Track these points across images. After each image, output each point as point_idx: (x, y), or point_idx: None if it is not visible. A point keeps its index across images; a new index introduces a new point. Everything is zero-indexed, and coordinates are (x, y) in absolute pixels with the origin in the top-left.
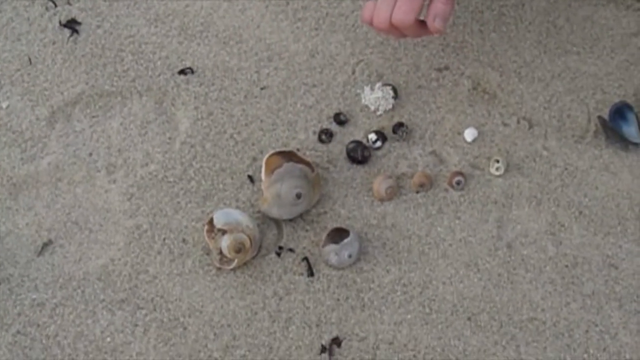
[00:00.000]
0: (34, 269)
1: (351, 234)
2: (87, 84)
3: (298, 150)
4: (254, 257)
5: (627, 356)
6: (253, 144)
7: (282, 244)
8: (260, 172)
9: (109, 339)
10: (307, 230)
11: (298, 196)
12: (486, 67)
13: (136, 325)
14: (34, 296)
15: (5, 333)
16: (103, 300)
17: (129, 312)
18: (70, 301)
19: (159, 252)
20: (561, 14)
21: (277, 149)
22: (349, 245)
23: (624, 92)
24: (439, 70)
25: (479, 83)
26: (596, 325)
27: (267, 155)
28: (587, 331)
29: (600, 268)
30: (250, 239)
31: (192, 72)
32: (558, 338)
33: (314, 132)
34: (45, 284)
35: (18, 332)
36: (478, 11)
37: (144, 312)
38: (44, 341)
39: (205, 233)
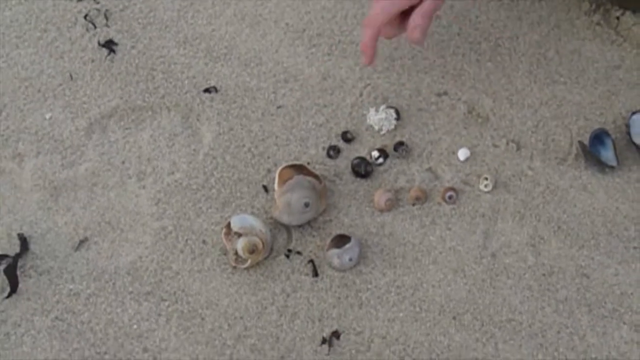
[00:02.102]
0: (71, 262)
1: (352, 240)
2: (121, 98)
3: (308, 164)
4: (265, 258)
5: (593, 355)
6: (268, 157)
7: (291, 247)
8: (273, 182)
9: (135, 326)
10: (313, 236)
11: (306, 205)
12: (481, 93)
13: (160, 315)
14: (71, 287)
15: (45, 318)
16: (131, 292)
17: (153, 303)
18: (103, 292)
19: (182, 251)
20: (551, 46)
21: (289, 163)
22: (350, 250)
23: (604, 119)
24: (438, 95)
25: (474, 107)
26: (567, 328)
27: (280, 168)
28: (558, 332)
29: (574, 277)
30: (262, 242)
31: (216, 90)
32: (532, 338)
33: (323, 148)
34: (80, 276)
35: (56, 317)
36: (476, 42)
37: (167, 303)
38: (78, 326)
39: (223, 235)
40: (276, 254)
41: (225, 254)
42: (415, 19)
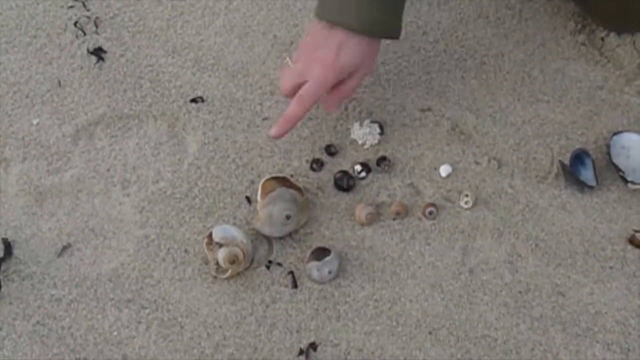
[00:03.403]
0: (54, 268)
1: (332, 253)
2: (108, 106)
3: (292, 176)
4: (246, 269)
5: None
6: (252, 169)
7: (271, 259)
8: (256, 194)
9: (115, 333)
10: (294, 248)
11: (288, 217)
12: (465, 110)
13: (140, 322)
14: (53, 292)
15: (26, 323)
16: (112, 299)
17: (134, 310)
18: (84, 298)
19: (164, 260)
20: (536, 65)
21: (273, 175)
22: (329, 263)
23: (585, 139)
24: (423, 110)
25: (457, 124)
26: (541, 345)
27: (263, 180)
28: (532, 349)
29: (550, 295)
30: (243, 253)
31: (203, 100)
32: (507, 354)
33: (307, 161)
34: (62, 282)
35: (37, 322)
36: (462, 59)
37: (147, 311)
38: (59, 332)
39: (204, 245)
40: (257, 265)
41: (206, 264)
42: (332, 99)
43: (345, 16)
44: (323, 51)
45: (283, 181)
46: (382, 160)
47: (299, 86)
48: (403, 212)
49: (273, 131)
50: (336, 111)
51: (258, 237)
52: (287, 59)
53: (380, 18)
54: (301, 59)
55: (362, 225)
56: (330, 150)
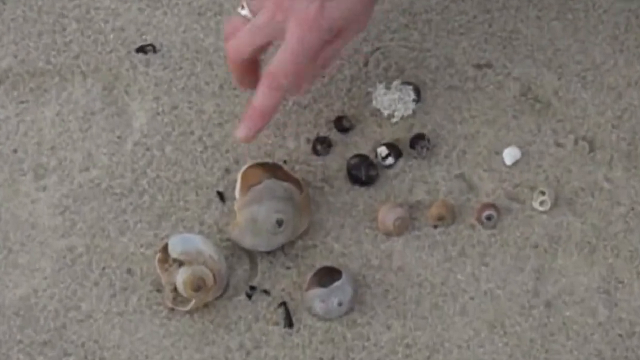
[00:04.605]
0: None
1: (344, 276)
2: (15, 57)
3: (285, 162)
4: (217, 298)
5: None
6: (227, 151)
7: (254, 284)
8: (233, 188)
9: None
10: (288, 268)
11: (279, 223)
12: (541, 67)
13: None
14: None
15: None
16: (20, 342)
17: (52, 358)
18: None
19: (96, 284)
20: None
21: (258, 160)
22: (339, 291)
23: None
24: (479, 67)
25: (530, 87)
26: None
27: (244, 167)
28: None
29: None
30: (213, 275)
31: (154, 50)
32: None
33: (308, 141)
34: None
35: None
36: None
37: (72, 359)
38: None
39: (157, 263)
40: (233, 293)
41: (159, 291)
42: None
43: None
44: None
45: (273, 170)
46: (418, 139)
47: (260, 51)
48: (449, 217)
49: (240, 133)
50: (305, 92)
51: (235, 251)
52: (243, 2)
53: None
54: (268, 9)
55: (389, 234)
56: (342, 125)
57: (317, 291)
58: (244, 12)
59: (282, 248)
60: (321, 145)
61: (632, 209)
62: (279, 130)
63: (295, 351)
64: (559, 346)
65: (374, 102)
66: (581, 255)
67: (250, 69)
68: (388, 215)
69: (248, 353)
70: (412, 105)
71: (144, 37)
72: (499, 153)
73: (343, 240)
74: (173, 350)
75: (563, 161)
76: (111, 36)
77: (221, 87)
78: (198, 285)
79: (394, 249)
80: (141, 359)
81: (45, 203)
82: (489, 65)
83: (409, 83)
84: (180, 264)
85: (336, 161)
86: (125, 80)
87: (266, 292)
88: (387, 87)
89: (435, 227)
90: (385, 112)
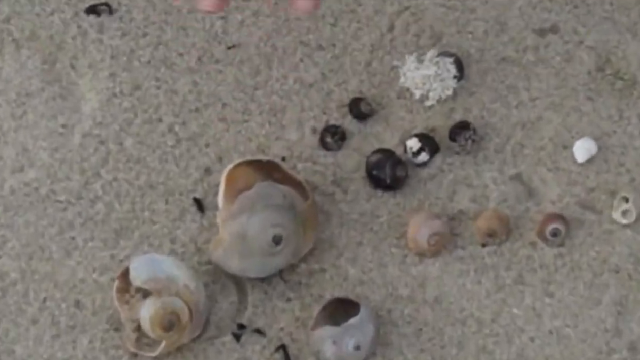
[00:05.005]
0: None
1: (363, 311)
2: None
3: (284, 160)
4: (194, 340)
5: None
6: (207, 145)
7: (244, 321)
8: (215, 193)
9: None
10: (288, 300)
11: (276, 240)
12: (623, 33)
13: None
14: None
15: None
16: None
17: None
18: None
19: (34, 321)
20: None
21: (248, 157)
22: (357, 330)
23: None
24: (541, 32)
25: (609, 59)
26: None
27: (229, 167)
28: None
29: None
30: (189, 309)
31: (110, 11)
32: None
33: (314, 130)
34: None
35: None
36: None
37: None
38: None
39: (114, 293)
40: (216, 333)
41: (117, 330)
42: None
43: None
44: None
45: (268, 170)
46: (460, 129)
47: None
48: (501, 231)
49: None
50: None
51: (219, 277)
52: None
53: None
54: None
55: (422, 256)
56: (360, 110)
57: (328, 330)
58: None
59: (280, 273)
60: (332, 137)
61: None
62: (276, 116)
63: None
64: None
65: (402, 79)
66: None
67: None
68: (421, 230)
69: None
70: (452, 84)
71: None
72: (567, 147)
73: (361, 262)
74: None
75: None
76: None
77: (199, 60)
78: (169, 323)
79: (429, 274)
80: None
81: None
82: (554, 30)
83: (448, 54)
84: (146, 294)
85: (352, 158)
86: (71, 50)
87: (259, 331)
88: (420, 60)
89: (484, 245)
90: (417, 93)
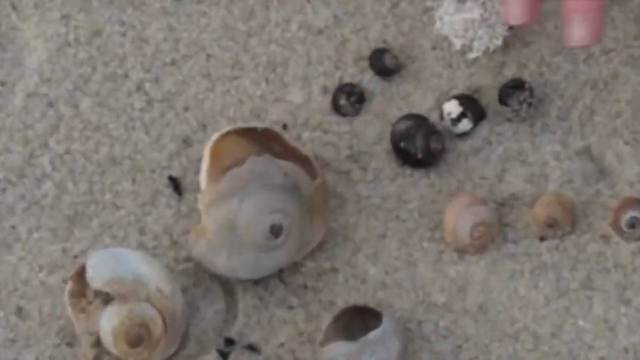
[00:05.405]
0: None
1: (386, 322)
2: None
3: (285, 128)
4: (170, 358)
5: None
6: (186, 109)
7: (232, 335)
8: (197, 171)
9: None
10: (290, 308)
11: (275, 231)
12: None
13: None
14: None
15: None
16: None
17: None
18: None
19: None
20: None
21: (239, 125)
22: (378, 346)
23: None
24: None
25: None
26: None
27: (215, 136)
28: None
29: None
30: (163, 318)
31: None
32: None
33: (324, 90)
34: None
35: None
36: None
37: None
38: None
39: (67, 298)
40: (197, 350)
41: (70, 345)
42: None
43: None
44: None
45: (265, 141)
46: (513, 89)
47: None
48: (564, 222)
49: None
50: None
51: (201, 279)
52: None
53: None
54: None
55: (463, 251)
56: (384, 64)
57: (341, 347)
58: None
59: (279, 274)
60: (348, 99)
61: None
62: (276, 72)
63: None
64: None
65: (437, 24)
66: None
67: None
68: (462, 219)
69: None
70: (502, 31)
71: None
72: None
73: (384, 260)
74: None
75: None
76: None
77: None
78: (137, 337)
79: (472, 274)
80: None
81: None
82: None
83: None
84: (107, 300)
85: (373, 126)
86: None
87: (253, 348)
88: (460, 0)
89: (542, 239)
90: (458, 43)
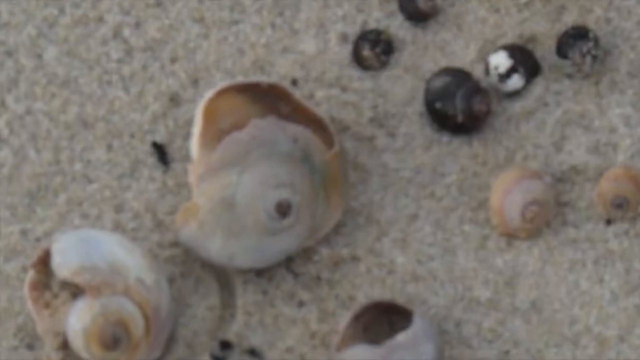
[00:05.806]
0: None
1: (417, 323)
2: None
3: (295, 84)
4: None
5: None
6: (173, 60)
7: (230, 336)
8: (186, 136)
9: None
10: (300, 305)
11: (282, 209)
12: None
13: None
14: None
15: None
16: None
17: None
18: None
19: None
20: None
21: (238, 80)
22: (408, 351)
23: None
24: None
25: None
26: None
27: (209, 94)
28: None
29: None
30: (145, 316)
31: None
32: None
33: (343, 38)
34: None
35: None
36: None
37: None
38: None
39: (27, 290)
40: (187, 354)
41: (31, 347)
42: None
43: None
44: None
45: (270, 99)
46: (574, 38)
47: None
48: (636, 201)
49: None
50: None
51: (191, 268)
52: None
53: None
54: None
55: (513, 236)
56: (416, 6)
57: (363, 351)
58: None
59: (286, 263)
60: (372, 49)
61: None
62: (283, 15)
63: None
64: None
65: None
66: None
67: None
68: (511, 197)
69: None
70: None
71: None
72: None
73: (416, 247)
74: None
75: None
76: None
77: None
78: (114, 338)
79: (523, 266)
80: None
81: None
82: None
83: None
84: (77, 292)
85: (403, 83)
86: None
87: (254, 353)
88: None
89: (609, 222)
90: None
